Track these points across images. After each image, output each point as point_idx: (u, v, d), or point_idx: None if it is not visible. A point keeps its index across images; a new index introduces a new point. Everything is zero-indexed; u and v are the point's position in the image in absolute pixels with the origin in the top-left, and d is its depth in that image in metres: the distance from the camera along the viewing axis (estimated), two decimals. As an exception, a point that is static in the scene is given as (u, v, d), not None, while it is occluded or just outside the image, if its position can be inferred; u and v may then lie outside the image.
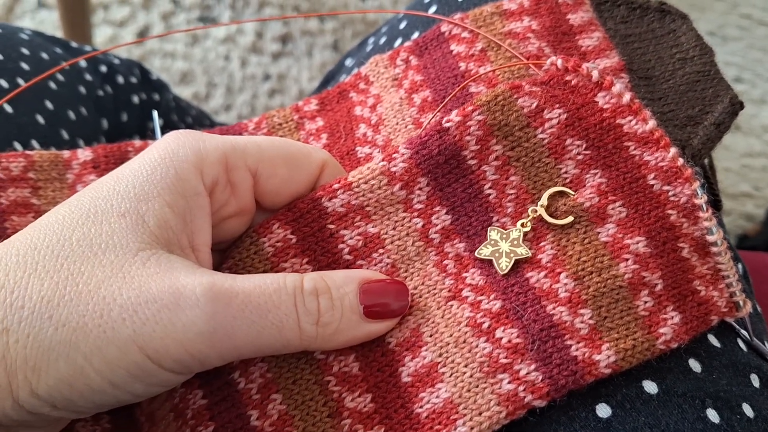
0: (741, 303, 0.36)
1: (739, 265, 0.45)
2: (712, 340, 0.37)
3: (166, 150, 0.33)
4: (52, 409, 0.29)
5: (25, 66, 0.50)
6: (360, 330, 0.33)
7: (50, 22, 1.27)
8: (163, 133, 0.38)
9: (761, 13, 1.52)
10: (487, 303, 0.35)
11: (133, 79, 0.60)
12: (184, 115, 0.65)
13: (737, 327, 0.38)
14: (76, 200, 0.32)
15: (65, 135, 0.50)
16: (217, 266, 0.36)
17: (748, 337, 0.38)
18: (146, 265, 0.30)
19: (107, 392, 0.29)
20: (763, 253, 0.68)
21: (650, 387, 0.34)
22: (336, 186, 0.36)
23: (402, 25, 0.51)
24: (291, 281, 0.32)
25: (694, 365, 0.35)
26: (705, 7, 1.51)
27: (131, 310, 0.28)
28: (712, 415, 0.34)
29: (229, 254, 0.37)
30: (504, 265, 0.35)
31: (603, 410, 0.33)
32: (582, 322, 0.34)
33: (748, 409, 0.35)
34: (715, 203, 0.44)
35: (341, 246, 0.36)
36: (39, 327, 0.28)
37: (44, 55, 0.53)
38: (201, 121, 0.69)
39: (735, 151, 1.33)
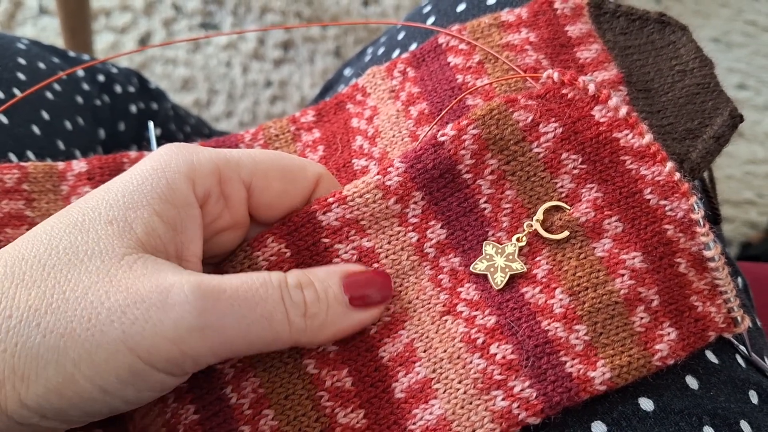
0: (739, 318, 0.35)
1: (739, 279, 0.44)
2: (710, 356, 0.36)
3: (158, 161, 0.33)
4: (41, 419, 0.29)
5: (21, 76, 0.50)
6: (348, 320, 0.33)
7: (52, 29, 1.27)
8: (159, 143, 0.38)
9: (766, 19, 1.51)
10: (482, 318, 0.35)
11: (131, 89, 0.59)
12: (182, 124, 0.65)
13: (736, 343, 0.37)
14: (65, 211, 0.32)
15: (61, 145, 0.50)
16: None
17: (746, 352, 0.37)
18: (132, 268, 0.30)
19: (97, 399, 0.29)
20: (765, 264, 0.68)
21: (646, 404, 0.34)
22: (331, 200, 0.36)
23: (400, 36, 0.51)
24: (275, 276, 0.32)
25: (692, 382, 0.35)
26: (710, 14, 1.51)
27: (119, 312, 0.28)
28: (710, 432, 0.34)
29: (223, 268, 0.36)
30: (499, 280, 0.35)
31: (598, 428, 0.33)
32: (577, 339, 0.33)
33: (746, 427, 0.35)
34: (714, 217, 0.43)
35: (336, 260, 0.36)
36: (27, 335, 0.28)
37: (41, 65, 0.53)
38: (200, 129, 0.68)
39: (738, 158, 1.33)
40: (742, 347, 0.37)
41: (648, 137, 0.36)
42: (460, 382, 0.34)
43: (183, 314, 0.29)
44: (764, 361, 0.39)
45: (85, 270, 0.29)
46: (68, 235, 0.30)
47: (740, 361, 0.37)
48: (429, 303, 0.36)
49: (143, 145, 0.59)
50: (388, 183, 0.36)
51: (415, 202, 0.37)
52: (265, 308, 0.31)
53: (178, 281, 0.29)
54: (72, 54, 0.59)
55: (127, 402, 0.30)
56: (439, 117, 0.41)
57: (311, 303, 0.32)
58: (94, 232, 0.30)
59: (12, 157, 0.46)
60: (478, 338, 0.34)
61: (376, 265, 0.36)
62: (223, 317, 0.29)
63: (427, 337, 0.35)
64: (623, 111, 0.36)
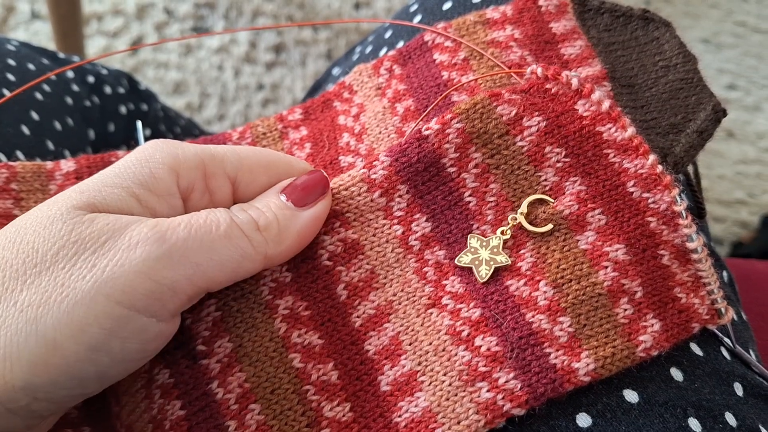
0: (723, 310, 0.36)
1: (724, 273, 0.45)
2: (695, 348, 0.37)
3: (143, 153, 0.34)
4: (33, 401, 0.29)
5: (11, 77, 0.50)
6: (302, 218, 0.34)
7: (44, 33, 1.27)
8: (148, 142, 0.38)
9: (756, 20, 1.52)
10: (467, 311, 0.35)
11: (121, 90, 0.60)
12: (172, 125, 0.65)
13: (720, 335, 0.38)
14: (46, 201, 0.32)
15: (51, 146, 0.50)
16: None
17: (731, 344, 0.38)
18: (95, 222, 0.30)
19: (84, 359, 0.29)
20: (753, 260, 0.68)
21: (631, 396, 0.34)
22: None
23: (387, 35, 0.51)
24: (218, 208, 0.33)
25: (676, 374, 0.35)
26: (700, 15, 1.52)
27: (89, 267, 0.29)
28: (694, 424, 0.34)
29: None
30: (484, 272, 0.35)
31: (583, 420, 0.33)
32: (561, 330, 0.34)
33: (731, 418, 0.35)
34: (699, 211, 0.44)
35: (321, 251, 0.36)
36: (4, 316, 0.28)
37: (31, 66, 0.53)
38: (190, 131, 0.69)
39: (729, 158, 1.33)
40: (726, 339, 0.38)
41: (630, 130, 0.36)
42: (445, 375, 0.34)
43: (147, 248, 0.30)
44: (749, 354, 0.39)
45: (49, 236, 0.30)
46: (36, 210, 0.31)
47: (725, 353, 0.38)
48: (414, 296, 0.36)
49: (132, 146, 0.58)
50: (373, 176, 0.37)
51: (400, 196, 0.37)
52: (220, 230, 0.32)
53: (136, 223, 0.30)
54: (62, 55, 0.59)
55: (115, 359, 0.30)
56: (425, 113, 0.41)
57: (259, 217, 0.33)
58: (61, 202, 0.31)
59: (1, 156, 0.46)
60: (463, 331, 0.34)
61: (361, 256, 0.36)
62: (186, 243, 0.30)
63: (412, 330, 0.35)
64: (606, 105, 0.37)
